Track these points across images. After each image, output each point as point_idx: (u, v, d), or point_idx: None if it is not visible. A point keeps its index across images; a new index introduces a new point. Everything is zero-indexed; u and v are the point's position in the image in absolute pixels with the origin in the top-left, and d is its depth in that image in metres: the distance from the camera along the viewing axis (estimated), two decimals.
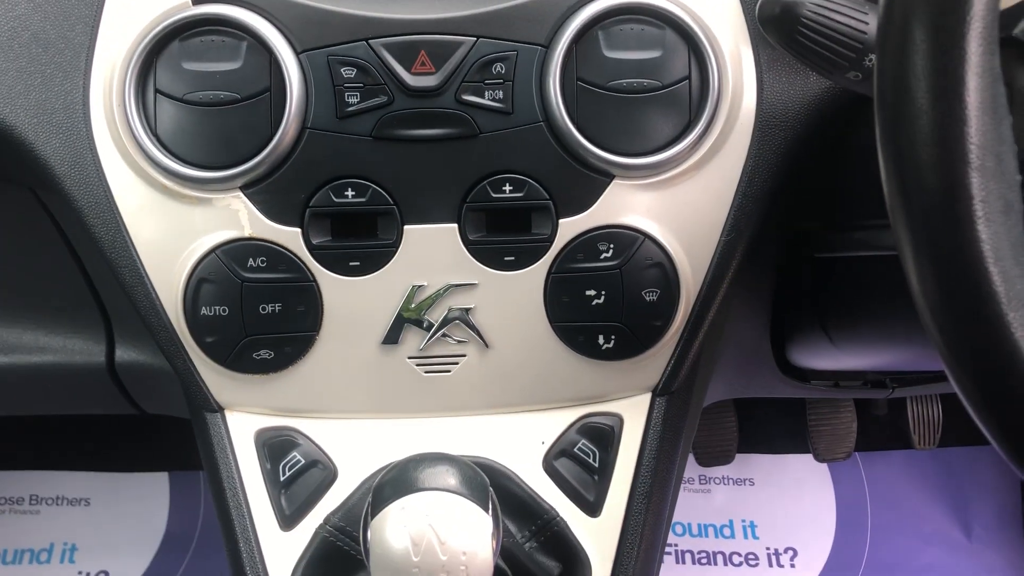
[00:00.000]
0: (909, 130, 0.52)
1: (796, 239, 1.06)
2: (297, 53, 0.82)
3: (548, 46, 0.83)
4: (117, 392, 1.17)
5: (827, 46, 0.66)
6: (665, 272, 0.86)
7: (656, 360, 0.90)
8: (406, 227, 0.84)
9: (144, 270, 0.85)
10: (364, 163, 0.83)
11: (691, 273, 0.87)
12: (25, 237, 1.05)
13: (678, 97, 0.83)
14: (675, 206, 0.86)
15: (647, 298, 0.86)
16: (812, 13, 0.65)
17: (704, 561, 2.07)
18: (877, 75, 0.56)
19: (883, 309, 1.00)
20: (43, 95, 0.84)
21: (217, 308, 0.84)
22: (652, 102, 0.83)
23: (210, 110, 0.81)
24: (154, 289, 0.86)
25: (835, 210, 0.99)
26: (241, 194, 0.83)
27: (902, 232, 0.52)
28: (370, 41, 0.82)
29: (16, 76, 0.85)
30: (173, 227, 0.84)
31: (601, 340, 0.87)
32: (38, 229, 1.00)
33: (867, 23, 0.67)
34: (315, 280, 0.84)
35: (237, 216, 0.83)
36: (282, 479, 0.89)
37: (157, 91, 0.82)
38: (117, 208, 0.84)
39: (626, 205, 0.85)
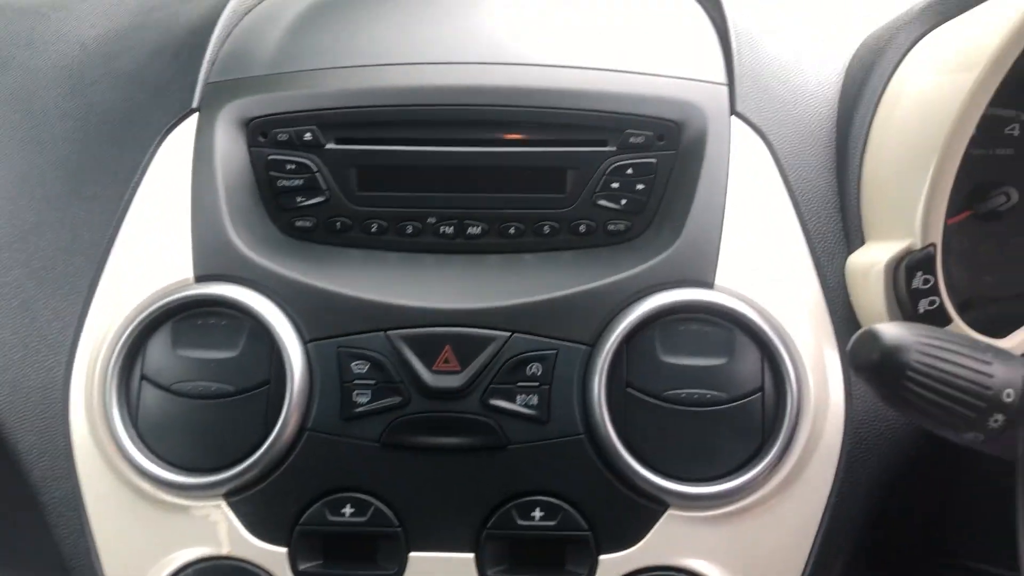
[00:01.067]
0: None
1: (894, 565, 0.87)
2: (304, 342, 0.71)
3: (594, 345, 0.70)
4: None
5: (941, 404, 0.52)
6: None
7: None
8: (412, 554, 0.70)
9: None
10: (368, 475, 0.70)
11: None
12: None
13: (749, 413, 0.70)
14: (742, 546, 0.70)
15: None
16: (922, 363, 0.52)
17: None
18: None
19: None
20: (21, 371, 0.75)
21: None
22: (717, 418, 0.69)
23: (199, 403, 0.71)
24: None
25: (944, 541, 0.82)
26: (224, 503, 0.70)
27: None
28: (388, 332, 0.71)
29: None
30: (143, 537, 0.71)
31: None
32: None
33: (991, 374, 0.53)
34: None
35: (216, 529, 0.71)
36: None
37: (143, 377, 0.71)
38: (85, 510, 0.72)
39: (683, 542, 0.69)
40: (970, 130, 0.63)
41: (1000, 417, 0.52)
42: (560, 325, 0.71)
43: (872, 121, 0.74)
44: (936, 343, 0.52)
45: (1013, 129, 0.79)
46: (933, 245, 0.65)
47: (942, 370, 0.52)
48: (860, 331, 0.54)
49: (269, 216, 0.78)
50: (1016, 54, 0.62)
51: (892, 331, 0.52)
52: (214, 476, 0.70)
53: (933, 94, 0.69)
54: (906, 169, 0.68)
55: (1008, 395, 0.52)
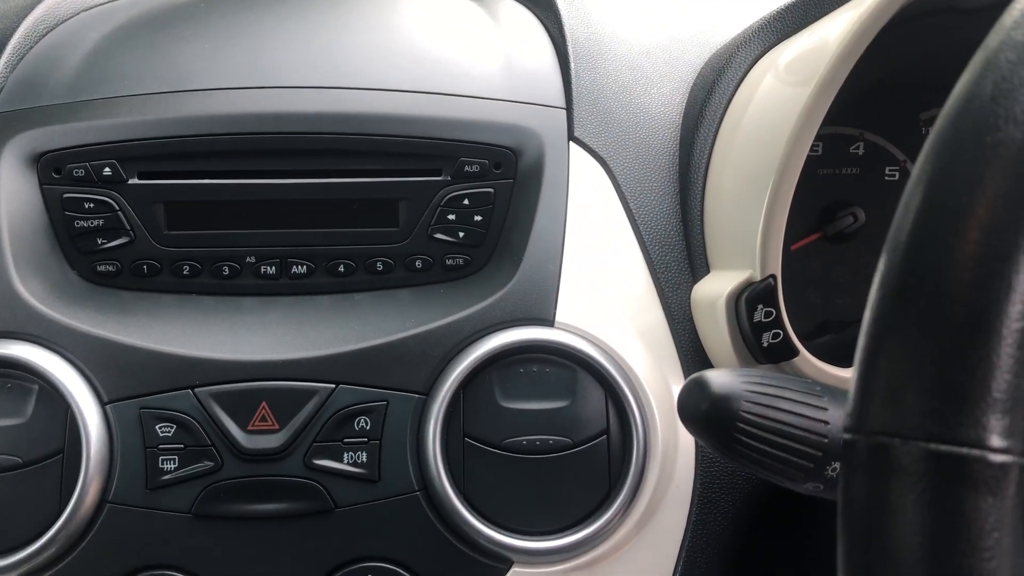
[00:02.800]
0: None
1: None
2: (102, 404, 0.64)
3: (428, 394, 0.65)
4: None
5: (776, 455, 0.49)
6: None
7: None
8: None
9: None
10: (180, 549, 0.63)
11: None
12: None
13: (594, 457, 0.65)
14: None
15: None
16: (753, 412, 0.48)
17: None
18: (842, 519, 0.37)
19: None
20: None
21: None
22: (561, 465, 0.65)
23: None
24: None
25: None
26: None
27: None
28: (196, 390, 0.64)
29: None
30: None
31: None
32: None
33: (827, 421, 0.49)
34: None
35: None
36: None
37: None
38: None
39: None
40: (803, 154, 0.60)
41: (837, 466, 0.49)
42: (390, 373, 0.65)
43: (713, 145, 0.71)
44: (768, 390, 0.49)
45: (858, 148, 0.78)
46: (773, 277, 0.62)
47: (774, 419, 0.48)
48: (688, 379, 0.50)
49: (67, 261, 0.70)
50: (848, 68, 0.59)
51: (720, 379, 0.49)
52: (3, 560, 0.62)
53: (769, 115, 0.66)
54: (743, 195, 0.65)
55: None
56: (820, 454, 0.49)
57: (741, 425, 0.48)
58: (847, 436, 0.35)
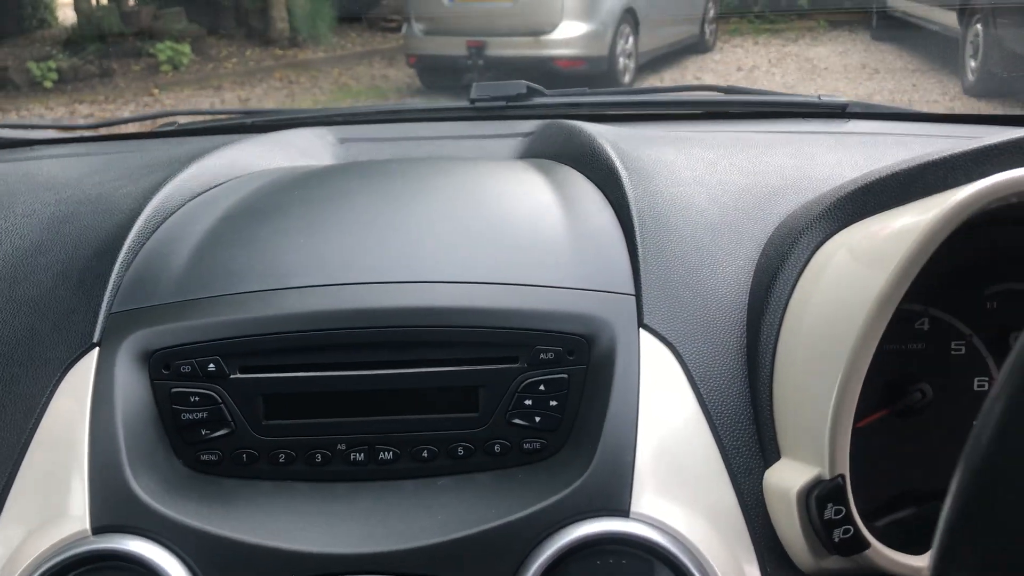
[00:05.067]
0: None
1: None
2: None
3: None
4: None
5: None
6: None
7: None
8: None
9: None
10: None
11: None
12: None
13: None
14: None
15: None
16: None
17: None
18: None
19: None
20: None
21: None
22: None
23: None
24: None
25: None
26: None
27: None
28: None
29: None
30: None
31: None
32: None
33: None
34: None
35: None
36: None
37: None
38: None
39: None
40: (869, 354, 0.63)
41: None
42: (473, 567, 0.68)
43: (779, 330, 0.74)
44: None
45: (923, 324, 0.79)
46: (842, 476, 0.64)
47: None
48: None
49: (174, 451, 0.75)
50: (923, 261, 0.63)
51: None
52: None
53: (833, 307, 0.69)
54: (810, 386, 0.68)
55: None
56: None
57: None
58: None
